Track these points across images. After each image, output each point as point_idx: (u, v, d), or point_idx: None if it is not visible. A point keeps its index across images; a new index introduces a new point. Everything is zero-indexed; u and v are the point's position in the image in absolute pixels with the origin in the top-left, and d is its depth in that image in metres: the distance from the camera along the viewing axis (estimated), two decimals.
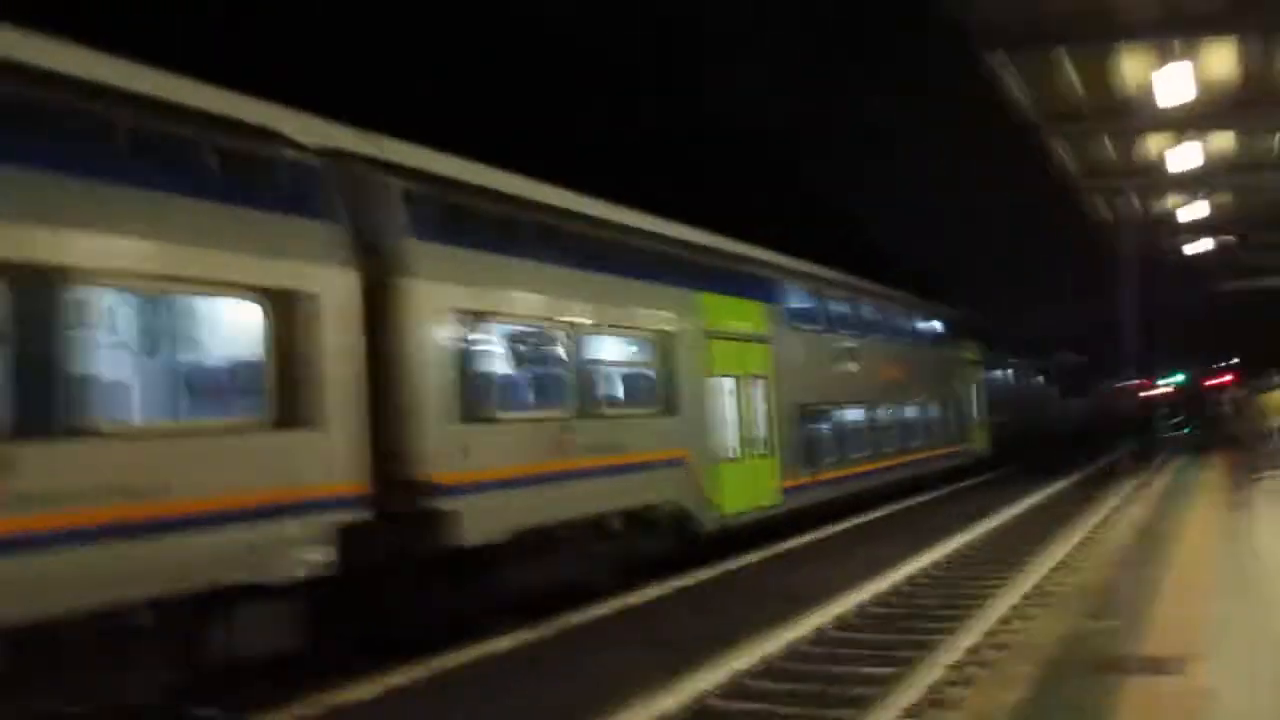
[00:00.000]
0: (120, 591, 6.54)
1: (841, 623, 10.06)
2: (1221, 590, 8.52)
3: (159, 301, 7.65)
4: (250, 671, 7.58)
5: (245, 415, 7.76)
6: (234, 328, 7.98)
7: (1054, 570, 12.08)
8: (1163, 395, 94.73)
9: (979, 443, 28.78)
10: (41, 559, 6.08)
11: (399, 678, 8.20)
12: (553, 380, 11.35)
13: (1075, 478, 26.19)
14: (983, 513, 17.74)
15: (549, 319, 11.23)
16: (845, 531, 17.03)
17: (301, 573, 7.73)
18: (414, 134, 10.36)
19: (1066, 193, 22.13)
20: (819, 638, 9.49)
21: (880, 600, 11.12)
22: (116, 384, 7.22)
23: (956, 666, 7.93)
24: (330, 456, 8.10)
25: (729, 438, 14.83)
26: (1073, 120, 16.39)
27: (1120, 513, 15.84)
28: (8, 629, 5.91)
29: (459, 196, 10.39)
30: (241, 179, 7.97)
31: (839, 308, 20.34)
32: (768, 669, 8.44)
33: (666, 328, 13.39)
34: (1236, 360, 55.41)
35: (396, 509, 8.67)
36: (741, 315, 15.59)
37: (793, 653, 8.95)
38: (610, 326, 12.38)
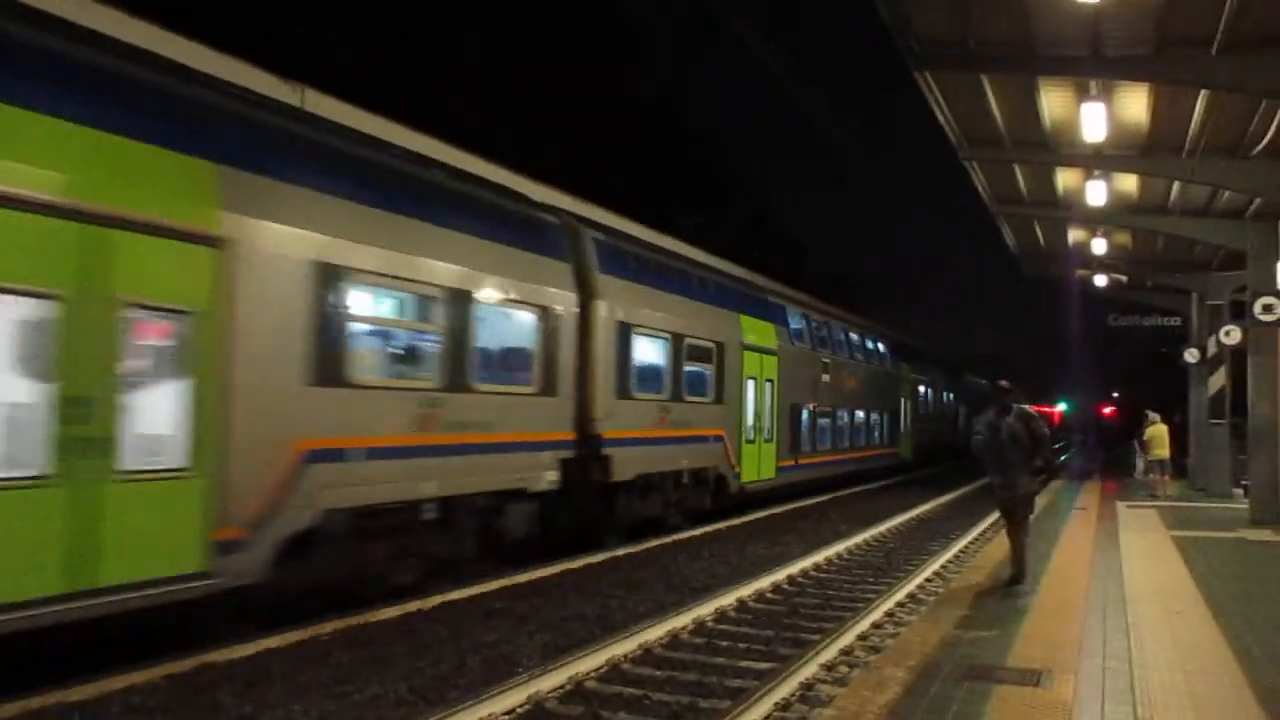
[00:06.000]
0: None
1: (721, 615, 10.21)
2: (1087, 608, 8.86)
3: None
4: None
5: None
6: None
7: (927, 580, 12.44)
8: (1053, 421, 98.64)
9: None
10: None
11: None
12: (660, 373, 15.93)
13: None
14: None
15: (667, 330, 15.83)
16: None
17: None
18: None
19: (985, 217, 22.77)
20: (698, 628, 9.59)
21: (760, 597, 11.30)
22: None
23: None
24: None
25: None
26: (989, 147, 16.83)
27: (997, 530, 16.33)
28: None
29: (619, 241, 15.33)
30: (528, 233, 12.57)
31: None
32: (646, 655, 8.49)
33: (725, 340, 18.13)
34: (1115, 395, 57.91)
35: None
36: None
37: (673, 641, 9.03)
38: (693, 338, 16.70)
